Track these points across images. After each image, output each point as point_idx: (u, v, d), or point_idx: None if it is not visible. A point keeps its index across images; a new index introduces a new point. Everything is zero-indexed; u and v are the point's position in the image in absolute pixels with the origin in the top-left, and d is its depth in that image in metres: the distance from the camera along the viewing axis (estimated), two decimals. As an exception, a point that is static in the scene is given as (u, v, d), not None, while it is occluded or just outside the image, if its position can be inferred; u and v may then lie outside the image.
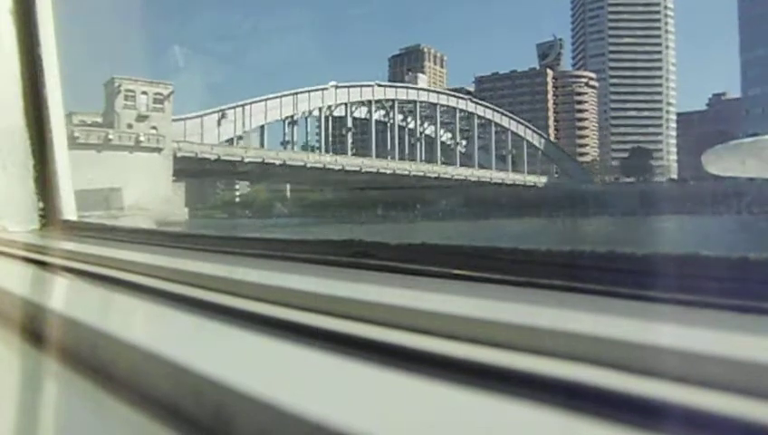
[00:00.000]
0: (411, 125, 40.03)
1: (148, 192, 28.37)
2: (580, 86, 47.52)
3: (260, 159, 34.37)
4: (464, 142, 40.99)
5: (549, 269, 0.53)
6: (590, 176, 41.84)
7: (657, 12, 48.31)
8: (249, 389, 0.36)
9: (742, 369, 0.31)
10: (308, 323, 0.50)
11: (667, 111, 47.96)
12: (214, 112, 35.44)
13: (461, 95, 42.38)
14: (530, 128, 42.99)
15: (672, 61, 48.51)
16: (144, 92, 33.60)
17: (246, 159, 34.08)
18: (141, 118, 32.81)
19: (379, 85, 40.63)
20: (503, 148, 41.35)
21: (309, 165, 35.19)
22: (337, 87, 38.29)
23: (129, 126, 31.75)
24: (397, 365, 0.39)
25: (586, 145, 45.15)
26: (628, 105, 47.46)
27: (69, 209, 1.69)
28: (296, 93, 37.89)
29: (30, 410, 0.53)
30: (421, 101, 40.86)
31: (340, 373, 0.41)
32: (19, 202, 1.69)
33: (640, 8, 48.49)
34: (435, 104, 41.22)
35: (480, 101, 42.76)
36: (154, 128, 32.05)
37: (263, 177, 35.48)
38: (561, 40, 49.12)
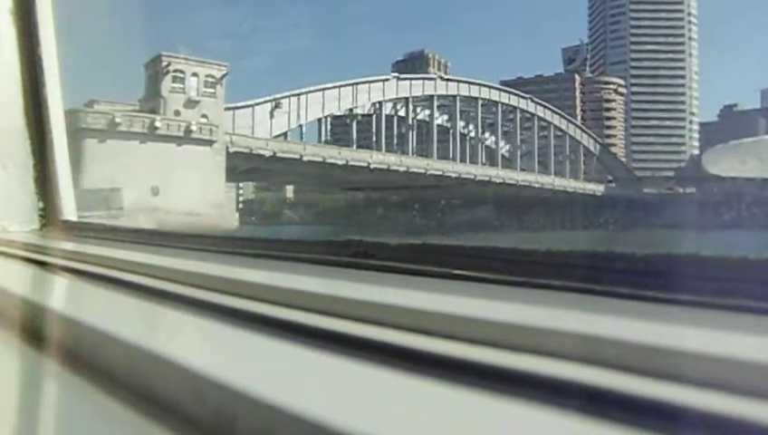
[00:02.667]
0: (460, 124, 36.29)
1: (199, 193, 24.69)
2: (608, 93, 46.00)
3: (320, 158, 29.56)
4: (523, 146, 38.11)
5: (548, 269, 0.53)
6: (641, 184, 39.93)
7: (681, 18, 47.00)
8: (249, 389, 0.36)
9: (742, 369, 0.31)
10: (308, 323, 0.50)
11: (690, 121, 46.70)
12: (266, 102, 30.12)
13: (522, 94, 38.97)
14: (586, 132, 40.86)
15: (695, 69, 47.52)
16: (194, 74, 27.87)
17: (305, 158, 29.03)
18: (190, 104, 27.47)
19: (442, 79, 36.90)
20: (559, 152, 38.89)
21: (372, 166, 30.97)
22: (399, 78, 34.48)
23: (177, 113, 26.71)
24: (397, 365, 0.39)
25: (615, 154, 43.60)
26: (649, 114, 46.19)
27: (69, 209, 1.69)
28: (356, 84, 33.23)
29: (30, 410, 0.53)
30: (483, 99, 37.32)
31: (341, 373, 0.41)
32: (19, 202, 1.69)
33: (663, 14, 47.13)
34: (496, 102, 37.77)
35: (541, 101, 39.63)
36: (204, 116, 26.99)
37: (320, 179, 30.80)
38: (588, 45, 47.66)
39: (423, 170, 32.78)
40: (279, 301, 0.57)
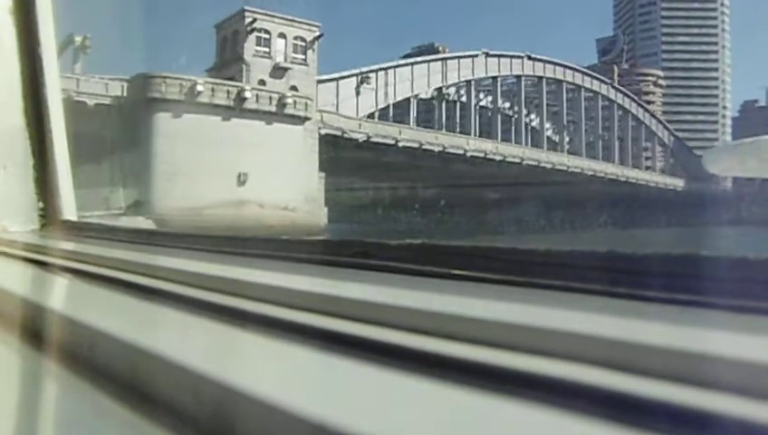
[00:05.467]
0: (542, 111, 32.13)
1: (291, 184, 19.89)
2: (647, 85, 44.00)
3: (416, 144, 24.31)
4: (605, 135, 35.09)
5: (549, 269, 0.53)
6: (715, 180, 37.04)
7: (714, 9, 44.99)
8: (249, 389, 0.36)
9: (742, 369, 0.31)
10: (308, 323, 0.50)
11: (723, 116, 45.41)
12: (352, 75, 24.99)
13: (603, 78, 35.92)
14: (661, 123, 38.63)
15: (728, 62, 46.37)
16: (281, 35, 22.26)
17: (401, 143, 23.78)
18: (278, 72, 22.05)
19: (530, 58, 32.30)
20: (634, 144, 36.25)
21: (469, 154, 25.99)
22: (488, 55, 29.78)
23: (262, 83, 21.47)
24: (397, 365, 0.39)
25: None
26: (683, 108, 44.50)
27: (69, 209, 1.69)
28: (445, 59, 28.38)
29: (29, 410, 0.53)
30: (568, 81, 33.72)
31: (340, 373, 0.41)
32: (19, 202, 1.69)
33: (696, 3, 45.18)
34: (579, 86, 34.06)
35: (620, 88, 36.91)
36: (293, 88, 21.75)
37: (412, 169, 24.58)
38: (625, 36, 45.39)
39: (536, 162, 28.01)
40: (279, 301, 0.57)
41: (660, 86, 44.78)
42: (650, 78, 44.57)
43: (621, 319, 0.40)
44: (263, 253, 0.88)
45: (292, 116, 21.01)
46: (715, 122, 45.37)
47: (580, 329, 0.38)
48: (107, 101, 20.18)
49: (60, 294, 0.92)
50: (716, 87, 46.05)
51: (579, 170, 30.82)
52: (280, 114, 20.76)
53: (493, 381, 0.35)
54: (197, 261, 0.84)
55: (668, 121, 42.52)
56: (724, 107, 45.95)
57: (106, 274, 0.87)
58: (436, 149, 24.83)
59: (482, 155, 26.72)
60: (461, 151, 25.94)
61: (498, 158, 27.36)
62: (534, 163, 28.81)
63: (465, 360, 0.38)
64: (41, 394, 0.57)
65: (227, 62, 21.99)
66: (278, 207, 19.34)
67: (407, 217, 25.30)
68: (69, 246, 1.35)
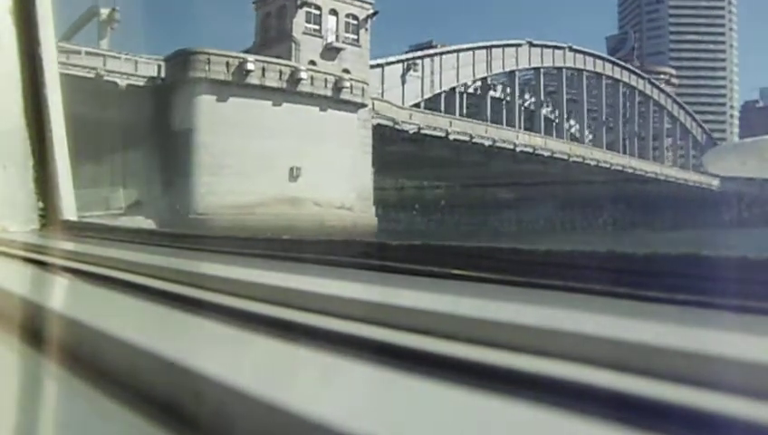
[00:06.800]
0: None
1: (346, 180, 17.70)
2: (660, 83, 42.32)
3: (466, 137, 22.25)
4: (642, 132, 33.78)
5: (549, 269, 0.53)
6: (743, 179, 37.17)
7: (722, 8, 44.27)
8: (249, 389, 0.36)
9: (742, 369, 0.31)
10: (308, 323, 0.50)
11: (731, 115, 44.79)
12: (398, 61, 22.78)
13: (641, 72, 34.87)
14: (695, 120, 37.52)
15: (735, 61, 45.78)
16: (333, 11, 19.64)
17: (451, 136, 21.66)
18: (329, 53, 19.55)
19: (571, 49, 30.77)
20: (669, 141, 35.15)
21: (518, 149, 24.16)
22: (531, 45, 28.07)
23: (312, 64, 18.84)
24: (397, 365, 0.39)
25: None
26: (690, 107, 43.04)
27: (69, 209, 1.69)
28: (490, 47, 26.15)
29: (29, 411, 0.53)
30: (607, 76, 32.31)
31: (340, 374, 0.41)
32: (19, 202, 1.69)
33: (704, 2, 44.47)
34: (618, 81, 32.61)
35: (657, 84, 35.85)
36: (345, 71, 19.26)
37: (457, 165, 22.13)
38: (636, 33, 44.24)
39: (608, 164, 26.23)
40: (279, 301, 0.57)
41: (673, 85, 44.05)
42: (663, 76, 43.60)
43: (622, 319, 0.40)
44: (263, 253, 0.88)
45: (348, 102, 18.40)
46: (723, 121, 44.88)
47: (581, 329, 0.38)
48: (141, 82, 18.06)
49: (60, 295, 0.92)
50: (724, 86, 45.60)
51: (620, 168, 29.50)
52: (335, 99, 18.08)
53: (493, 381, 0.35)
54: (198, 261, 0.84)
55: (677, 120, 41.95)
56: (732, 106, 45.51)
57: (106, 274, 0.87)
58: (486, 142, 23.01)
59: (530, 150, 24.95)
60: (510, 146, 24.10)
61: (546, 153, 25.57)
62: (580, 160, 27.32)
63: (465, 360, 0.38)
64: (40, 394, 0.57)
65: (271, 41, 19.28)
66: (333, 205, 17.25)
67: (455, 218, 23.73)
68: (69, 246, 1.35)
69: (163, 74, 18.40)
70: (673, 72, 44.52)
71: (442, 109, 24.43)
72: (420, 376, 0.37)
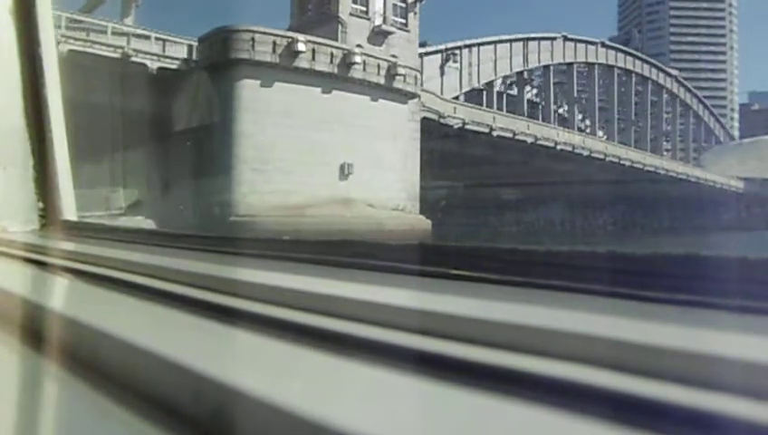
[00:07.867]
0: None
1: (398, 178, 15.92)
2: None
3: (509, 133, 20.67)
4: (668, 131, 33.24)
5: (549, 269, 0.53)
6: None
7: (722, 9, 43.74)
8: (249, 389, 0.36)
9: (742, 369, 0.31)
10: (308, 323, 0.50)
11: (732, 118, 44.37)
12: (437, 51, 21.12)
13: (669, 69, 34.40)
14: (718, 121, 37.00)
15: (735, 63, 45.55)
16: None
17: (495, 132, 20.10)
18: (377, 37, 17.61)
19: (603, 45, 30.08)
20: (693, 141, 34.56)
21: (559, 147, 22.58)
22: (566, 39, 26.98)
23: (359, 48, 16.92)
24: (397, 365, 0.39)
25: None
26: (693, 111, 44.48)
27: (69, 209, 1.69)
28: (527, 40, 24.86)
29: (29, 411, 0.53)
30: (636, 73, 31.67)
31: (340, 373, 0.41)
32: (19, 202, 1.69)
33: (705, 3, 43.95)
34: (646, 78, 32.13)
35: (683, 82, 35.16)
36: (394, 57, 17.44)
37: (499, 164, 20.73)
38: (640, 33, 43.83)
39: (641, 165, 25.31)
40: (279, 301, 0.57)
41: (682, 85, 43.76)
42: (669, 77, 42.84)
43: (622, 319, 0.40)
44: (263, 253, 0.88)
45: (400, 91, 16.53)
46: (724, 125, 44.67)
47: (581, 329, 0.38)
48: (174, 65, 16.03)
49: (60, 295, 0.92)
50: (725, 88, 45.42)
51: (653, 169, 28.72)
52: (387, 88, 16.25)
53: (493, 381, 0.35)
54: (198, 261, 0.84)
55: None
56: (732, 109, 45.39)
57: (106, 274, 0.87)
58: (529, 140, 21.43)
59: (570, 148, 23.72)
60: (551, 144, 22.61)
61: (585, 153, 24.48)
62: (615, 160, 26.28)
63: (465, 360, 0.38)
64: (40, 395, 0.57)
65: (312, 22, 17.16)
66: (387, 206, 15.45)
67: (506, 218, 22.38)
68: (69, 246, 1.35)
69: (194, 56, 16.39)
70: (677, 73, 43.95)
71: (483, 103, 23.27)
72: (420, 376, 0.37)
